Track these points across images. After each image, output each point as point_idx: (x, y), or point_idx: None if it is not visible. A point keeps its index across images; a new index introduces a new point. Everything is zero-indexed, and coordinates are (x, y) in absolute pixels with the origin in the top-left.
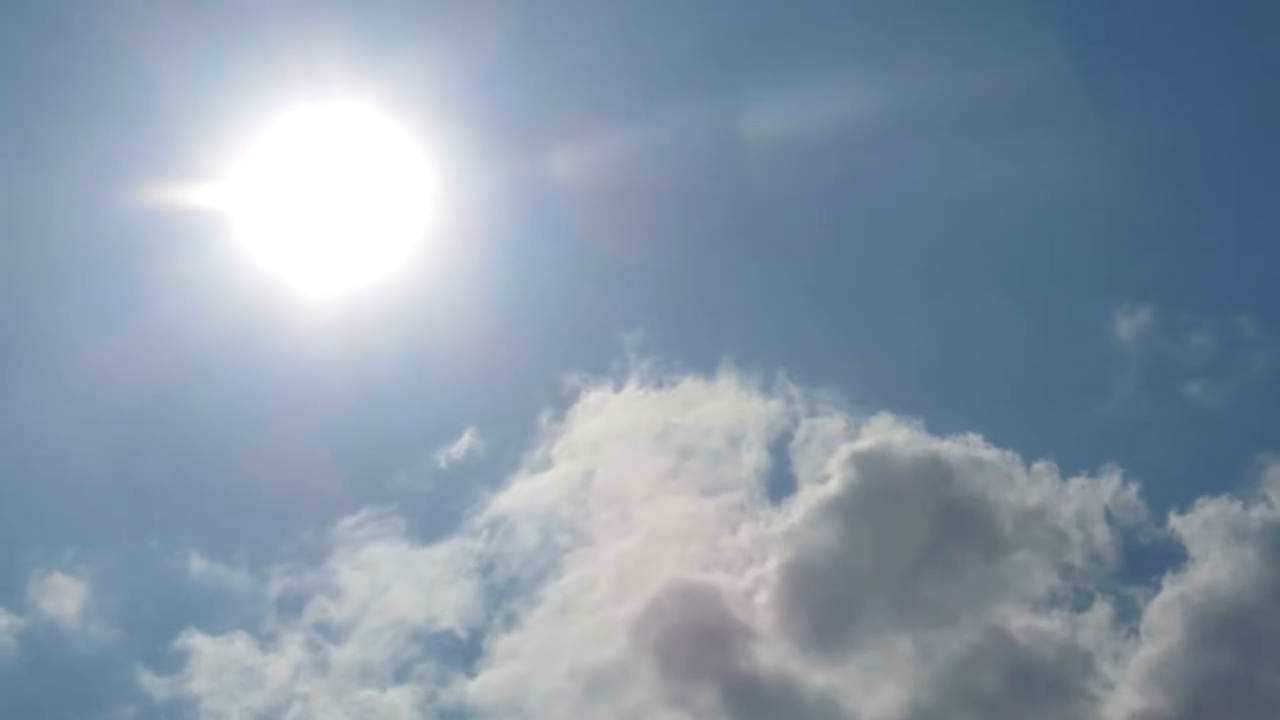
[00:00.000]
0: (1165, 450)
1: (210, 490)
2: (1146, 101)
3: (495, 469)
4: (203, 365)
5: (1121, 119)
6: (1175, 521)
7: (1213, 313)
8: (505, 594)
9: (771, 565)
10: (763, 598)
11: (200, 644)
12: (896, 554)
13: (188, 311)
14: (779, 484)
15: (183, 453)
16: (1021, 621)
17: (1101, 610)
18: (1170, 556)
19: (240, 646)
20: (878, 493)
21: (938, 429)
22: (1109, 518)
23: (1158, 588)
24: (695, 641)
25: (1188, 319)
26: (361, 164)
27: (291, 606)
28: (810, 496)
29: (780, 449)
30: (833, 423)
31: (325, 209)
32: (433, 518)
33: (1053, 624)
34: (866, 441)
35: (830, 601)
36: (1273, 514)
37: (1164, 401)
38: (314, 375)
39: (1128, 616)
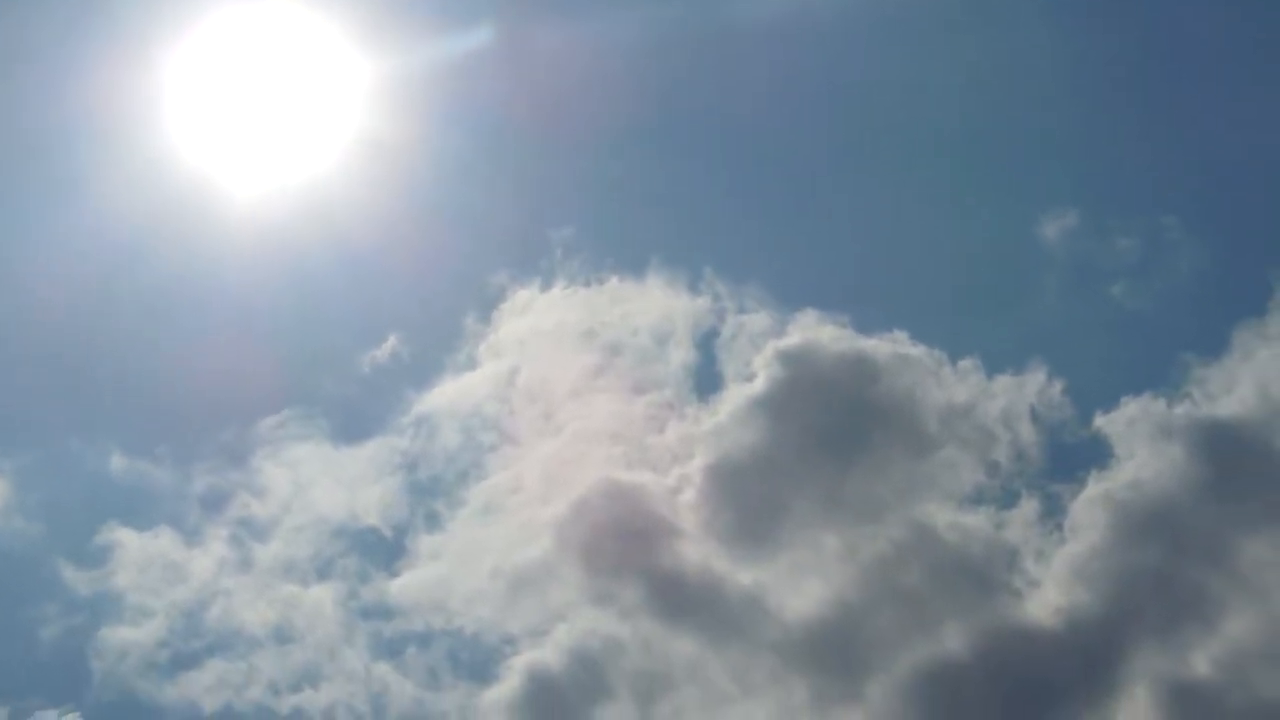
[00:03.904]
0: (1091, 350)
1: (133, 388)
2: (1077, 8)
3: (420, 370)
4: (126, 264)
5: (1053, 25)
6: (1100, 420)
7: (1138, 215)
8: (429, 493)
9: (698, 463)
10: (689, 496)
11: (124, 538)
12: (822, 451)
13: (111, 209)
14: (706, 382)
15: (105, 351)
16: (947, 518)
17: (1027, 507)
18: (1095, 455)
19: (164, 542)
20: (804, 390)
21: (864, 326)
22: (1034, 416)
23: (1083, 485)
24: (620, 540)
25: (1114, 221)
26: (287, 63)
27: (215, 503)
28: (737, 394)
29: (707, 346)
30: (759, 320)
31: (250, 108)
32: (356, 418)
33: (978, 521)
34: (793, 339)
35: (756, 499)
36: (1197, 413)
37: (1090, 302)
38: (238, 277)
39: (1053, 514)
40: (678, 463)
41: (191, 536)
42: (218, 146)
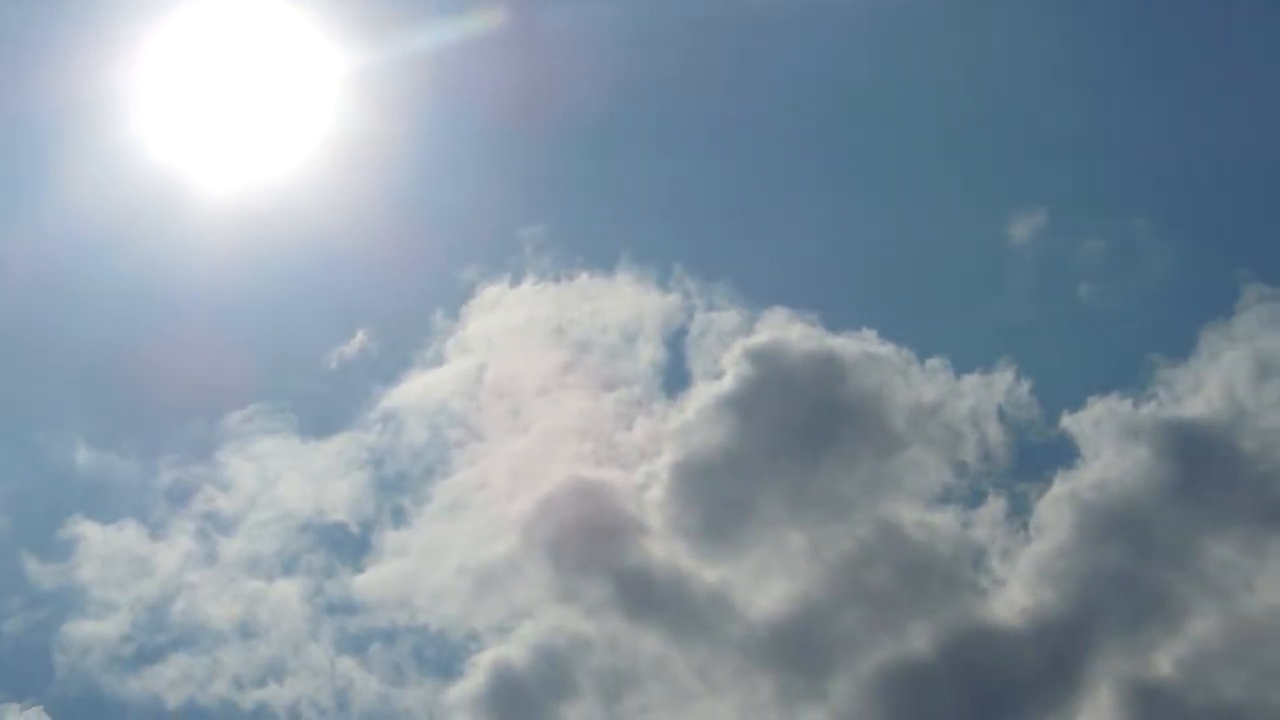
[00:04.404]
0: (1058, 350)
1: (99, 381)
2: (1048, 9)
3: (388, 366)
4: (95, 257)
5: (1025, 26)
6: (1067, 420)
7: (1107, 216)
8: (395, 489)
9: (665, 461)
10: (656, 493)
11: (88, 532)
12: (790, 450)
13: (81, 202)
14: (674, 379)
15: (72, 343)
16: (914, 517)
17: (994, 507)
18: (1062, 454)
19: (129, 535)
20: (772, 388)
21: (833, 324)
22: (1002, 415)
23: (1049, 485)
24: (587, 537)
25: (1082, 222)
26: (257, 57)
27: (180, 497)
28: (705, 392)
29: (676, 344)
30: (728, 317)
31: (219, 102)
32: (323, 413)
33: (945, 520)
34: (761, 337)
35: (723, 497)
36: (1163, 413)
37: (1058, 302)
38: (207, 270)
39: (1019, 513)
40: (645, 460)
41: (156, 530)
42: (186, 140)
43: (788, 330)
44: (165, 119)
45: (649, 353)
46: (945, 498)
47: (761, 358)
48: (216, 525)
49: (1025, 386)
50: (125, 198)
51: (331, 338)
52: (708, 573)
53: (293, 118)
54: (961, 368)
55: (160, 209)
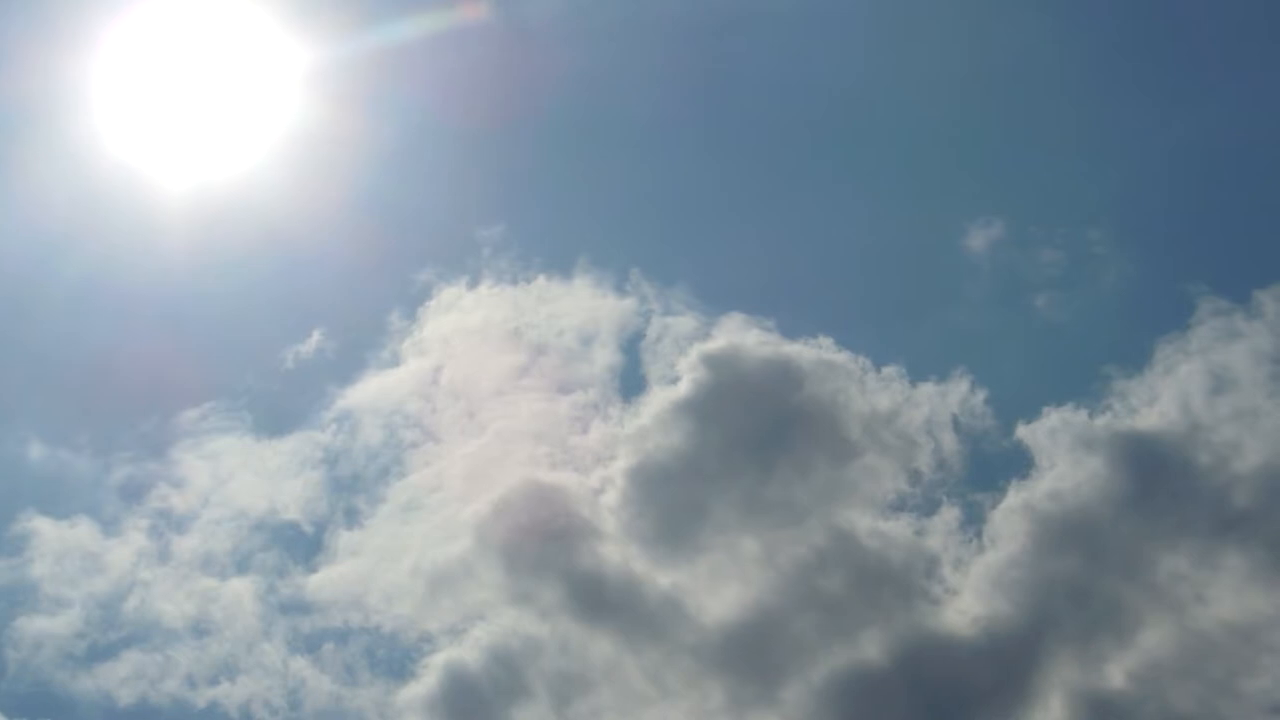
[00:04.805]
0: (1014, 360)
1: (53, 377)
2: (1008, 15)
3: (344, 366)
4: (50, 253)
5: (982, 35)
6: (1022, 430)
7: (1064, 228)
8: (349, 490)
9: (620, 465)
10: (611, 497)
11: (41, 527)
12: (745, 456)
13: (35, 198)
14: (630, 383)
15: (26, 339)
16: (867, 525)
17: (947, 516)
18: (1016, 464)
19: (82, 532)
20: (727, 394)
21: (789, 331)
22: (957, 424)
23: (1003, 495)
24: (541, 541)
25: (1039, 233)
26: (214, 53)
27: (134, 494)
28: (661, 397)
29: (632, 348)
30: (685, 322)
31: (175, 99)
32: (278, 413)
33: (898, 528)
34: (718, 342)
35: (678, 502)
36: (1118, 424)
37: (1014, 312)
38: (163, 267)
39: (973, 522)
40: (600, 464)
41: (110, 527)
42: (143, 136)
43: (744, 336)
44: (121, 114)
45: (605, 357)
46: (899, 506)
47: (717, 363)
48: (170, 523)
49: (980, 396)
50: (82, 194)
51: (287, 337)
52: (661, 577)
53: (250, 115)
54: (917, 376)
55: (117, 206)
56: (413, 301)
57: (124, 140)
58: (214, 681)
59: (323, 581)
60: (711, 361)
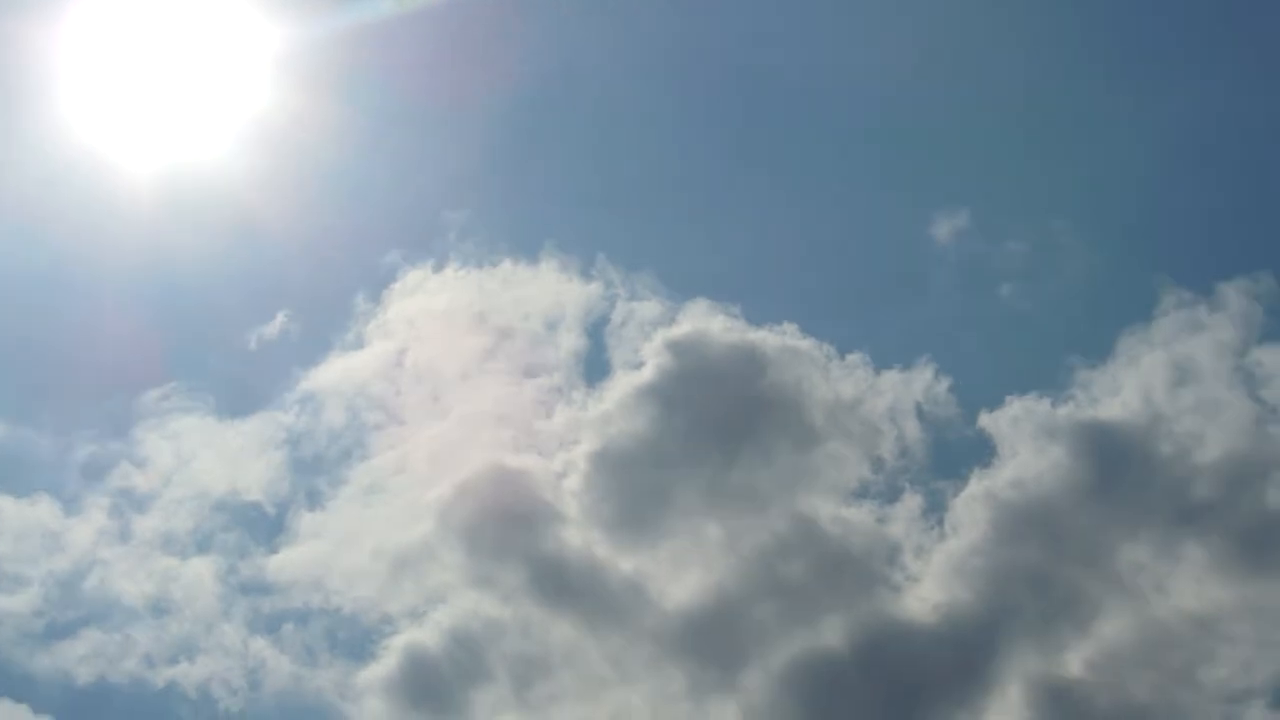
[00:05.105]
0: (978, 349)
1: (15, 356)
2: (975, 6)
3: (308, 348)
4: (14, 233)
5: (948, 26)
6: (985, 419)
7: (1029, 218)
8: (312, 471)
9: (584, 450)
10: (574, 482)
11: (2, 505)
12: (709, 441)
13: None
14: (595, 368)
15: None
16: (830, 512)
17: (909, 503)
18: (979, 453)
19: (42, 510)
20: (692, 380)
21: (754, 318)
22: (920, 413)
23: (965, 483)
24: (504, 524)
25: (1004, 223)
26: (178, 34)
27: (95, 473)
28: (625, 382)
29: (597, 333)
30: (650, 308)
31: (139, 80)
32: (242, 393)
33: (861, 515)
34: (683, 328)
35: (641, 487)
36: (1080, 414)
37: (979, 302)
38: (128, 248)
39: (935, 510)
40: (564, 448)
41: (70, 506)
42: (107, 117)
43: (709, 322)
44: (84, 96)
45: (570, 341)
46: (862, 493)
47: (682, 349)
48: (131, 502)
49: (944, 384)
50: (46, 175)
51: (252, 318)
52: (623, 562)
53: (216, 97)
54: (881, 364)
55: (82, 187)
56: (378, 284)
57: (89, 122)
58: (173, 661)
59: (284, 562)
60: (676, 347)
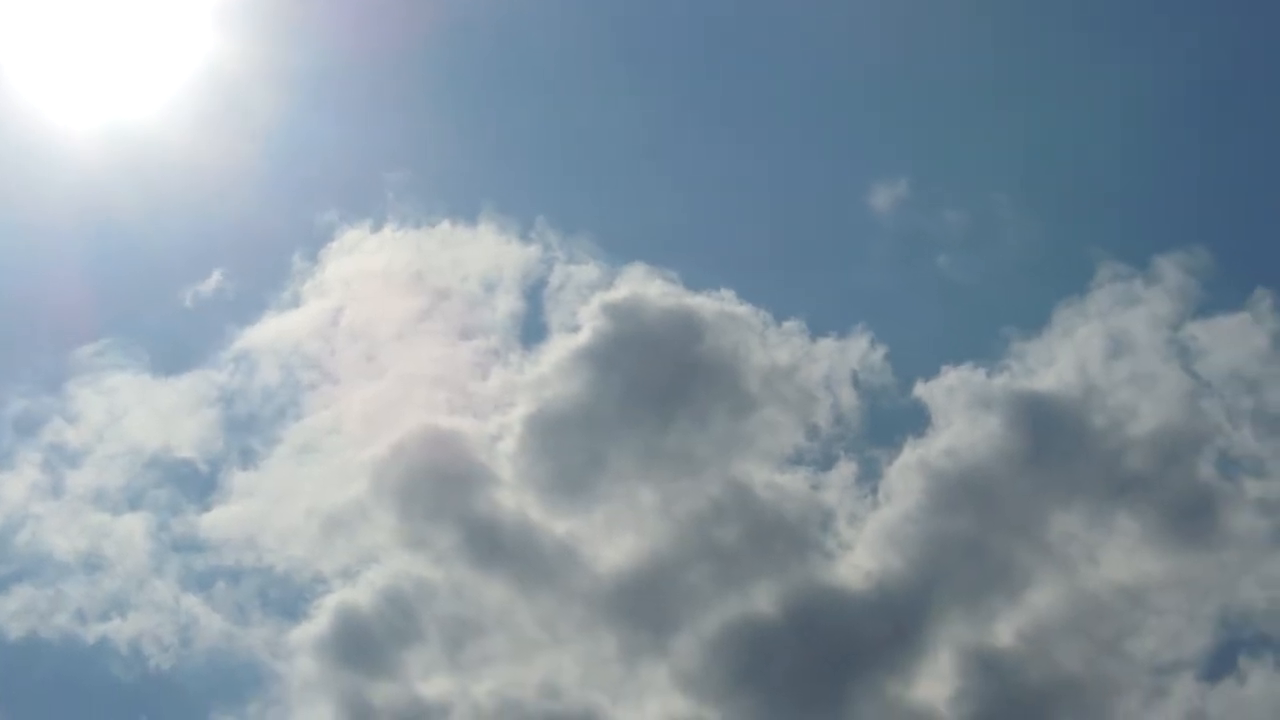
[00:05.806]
0: (914, 318)
1: None
2: None
3: (243, 306)
4: None
5: None
6: (920, 388)
7: (968, 190)
8: (245, 429)
9: (519, 412)
10: (508, 444)
11: None
12: (644, 406)
13: None
14: (532, 330)
15: None
16: (764, 477)
17: (844, 471)
18: (913, 421)
19: None
20: (628, 344)
21: (692, 282)
22: (856, 380)
23: (899, 451)
24: (437, 485)
25: (943, 194)
26: None
27: (27, 428)
28: (561, 345)
29: (535, 295)
30: (588, 271)
31: (73, 33)
32: (176, 351)
33: (795, 482)
34: (620, 292)
35: (575, 450)
36: (1015, 385)
37: (915, 271)
38: (63, 204)
39: (869, 478)
40: (499, 410)
41: (2, 461)
42: (40, 70)
43: (646, 286)
44: (15, 48)
45: (507, 303)
46: (796, 460)
47: (619, 313)
48: (63, 457)
49: (880, 353)
50: None
51: (187, 276)
52: (557, 525)
53: (152, 51)
54: (818, 331)
55: (13, 140)
56: (315, 243)
57: (20, 74)
58: (105, 617)
59: (216, 520)
60: (613, 311)
